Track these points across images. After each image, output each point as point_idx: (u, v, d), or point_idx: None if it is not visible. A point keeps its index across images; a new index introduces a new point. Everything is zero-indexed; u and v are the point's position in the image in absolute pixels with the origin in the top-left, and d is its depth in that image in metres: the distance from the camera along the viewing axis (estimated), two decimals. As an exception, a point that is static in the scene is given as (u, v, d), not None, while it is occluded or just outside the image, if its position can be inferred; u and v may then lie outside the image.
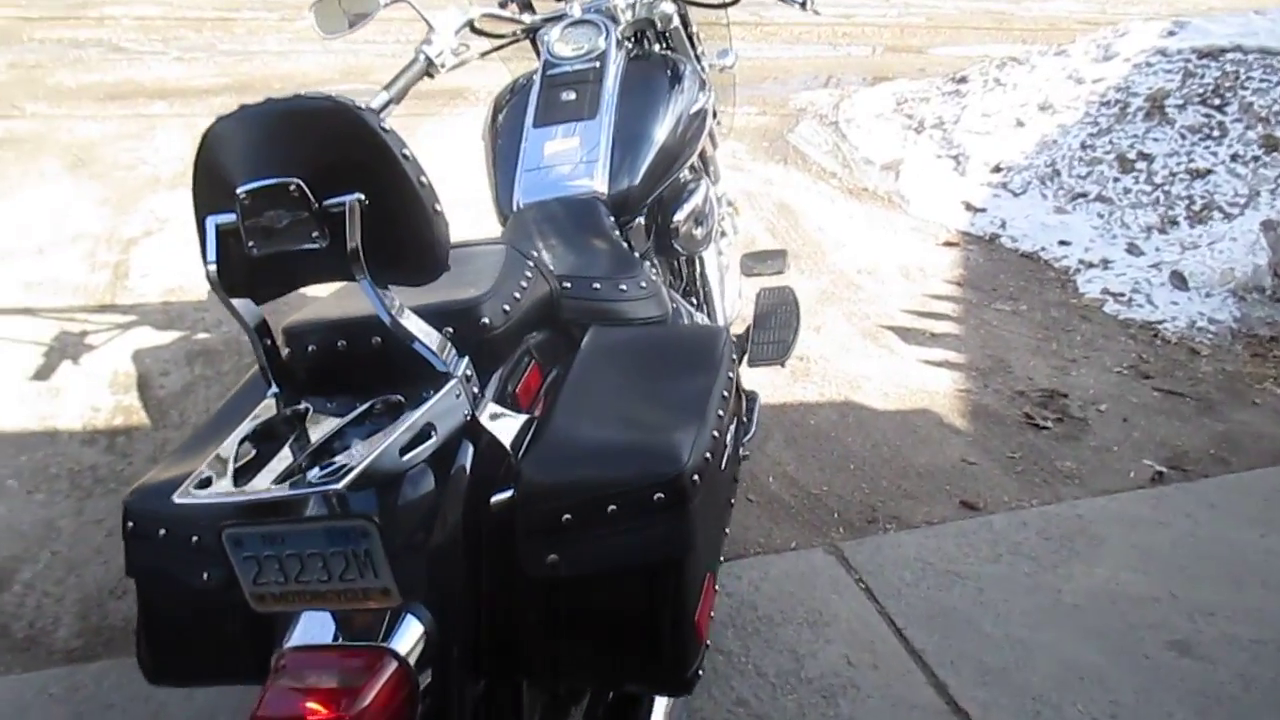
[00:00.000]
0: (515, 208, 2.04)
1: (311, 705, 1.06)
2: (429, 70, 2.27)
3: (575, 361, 1.45)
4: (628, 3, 2.34)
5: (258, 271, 1.19)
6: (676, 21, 2.44)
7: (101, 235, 3.71)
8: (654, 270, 1.85)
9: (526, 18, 2.40)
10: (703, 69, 2.60)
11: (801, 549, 2.37)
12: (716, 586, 1.33)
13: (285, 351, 1.32)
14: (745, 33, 7.23)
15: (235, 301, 1.20)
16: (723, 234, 2.97)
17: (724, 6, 2.45)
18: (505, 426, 1.28)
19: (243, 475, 1.10)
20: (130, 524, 1.27)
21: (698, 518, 1.23)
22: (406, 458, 1.13)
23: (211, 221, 1.16)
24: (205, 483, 1.09)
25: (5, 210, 3.86)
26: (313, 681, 1.09)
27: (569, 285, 1.63)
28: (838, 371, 3.12)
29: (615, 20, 2.36)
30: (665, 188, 2.20)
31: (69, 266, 3.47)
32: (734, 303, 2.79)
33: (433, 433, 1.18)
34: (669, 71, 2.27)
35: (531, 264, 1.50)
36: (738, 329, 2.66)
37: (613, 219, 1.96)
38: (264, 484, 1.06)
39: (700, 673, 1.27)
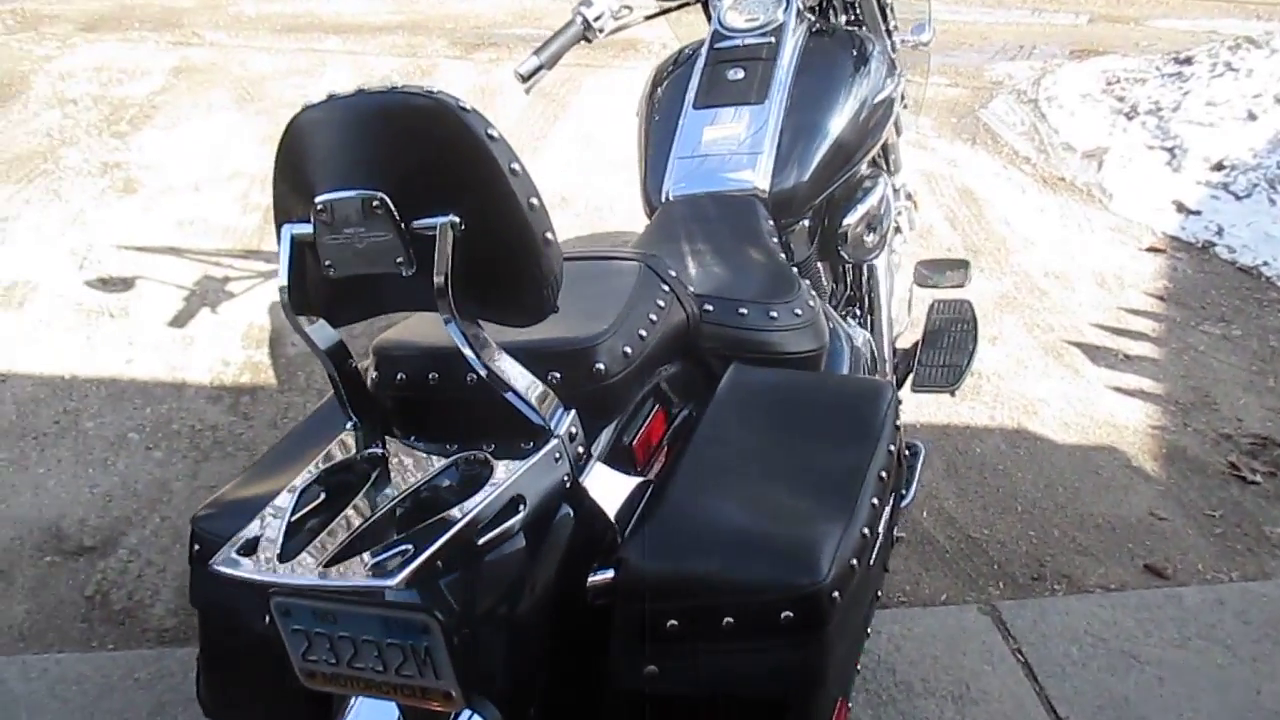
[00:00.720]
0: (664, 199, 1.82)
1: None
2: (586, 34, 2.06)
3: (708, 410, 1.22)
4: None
5: (335, 293, 1.01)
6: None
7: (257, 175, 3.67)
8: (812, 289, 1.60)
9: (700, -23, 2.15)
10: (892, 45, 2.29)
11: (953, 604, 2.09)
12: (850, 705, 1.09)
13: (373, 374, 1.14)
14: (942, -7, 6.71)
15: (308, 324, 1.02)
16: (896, 230, 2.67)
17: None
18: (613, 492, 1.08)
19: (294, 537, 0.93)
20: (197, 547, 1.13)
21: (834, 643, 0.99)
22: (482, 541, 0.94)
23: (288, 231, 0.98)
24: (250, 546, 0.92)
25: (171, 142, 3.88)
26: None
27: (710, 309, 1.40)
28: (1012, 392, 2.79)
29: (800, -9, 2.08)
30: (837, 186, 1.93)
31: (222, 206, 3.45)
32: (901, 310, 2.51)
33: (522, 507, 0.98)
34: (854, 51, 1.98)
35: (668, 287, 1.27)
36: (905, 342, 2.37)
37: (772, 222, 1.71)
38: (310, 563, 0.89)
39: (818, 822, 1.04)
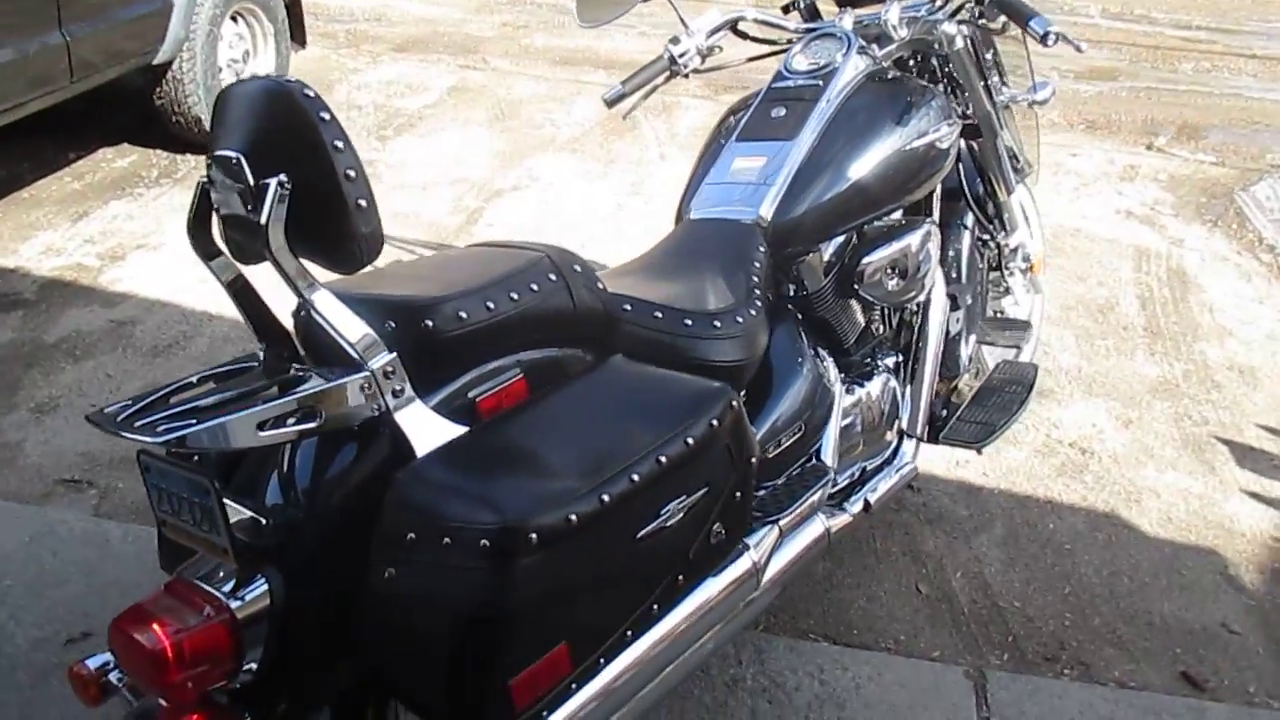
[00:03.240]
0: (687, 217, 1.97)
1: (147, 625, 1.13)
2: (673, 68, 2.24)
3: (558, 388, 1.38)
4: (904, 19, 2.12)
5: (226, 234, 1.27)
6: (961, 44, 2.16)
7: (477, 182, 4.13)
8: (760, 310, 1.68)
9: (792, 25, 2.27)
10: (993, 102, 2.29)
11: (941, 662, 2.04)
12: (572, 661, 1.20)
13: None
14: (1241, 64, 6.17)
15: (211, 261, 1.29)
16: (1006, 292, 2.62)
17: (1037, 38, 2.09)
18: (424, 431, 1.26)
19: (156, 411, 1.20)
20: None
21: (530, 579, 1.13)
22: (263, 434, 1.16)
23: (199, 180, 1.27)
24: (143, 410, 1.18)
25: (420, 148, 4.44)
26: (162, 606, 1.18)
27: (629, 308, 1.54)
28: (1121, 478, 2.62)
29: (888, 39, 2.16)
30: (862, 224, 1.98)
31: (436, 205, 3.92)
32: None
33: (317, 418, 1.20)
34: (907, 98, 2.03)
35: (556, 277, 1.42)
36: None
37: (763, 249, 1.82)
38: (154, 427, 1.14)
39: (517, 740, 1.17)
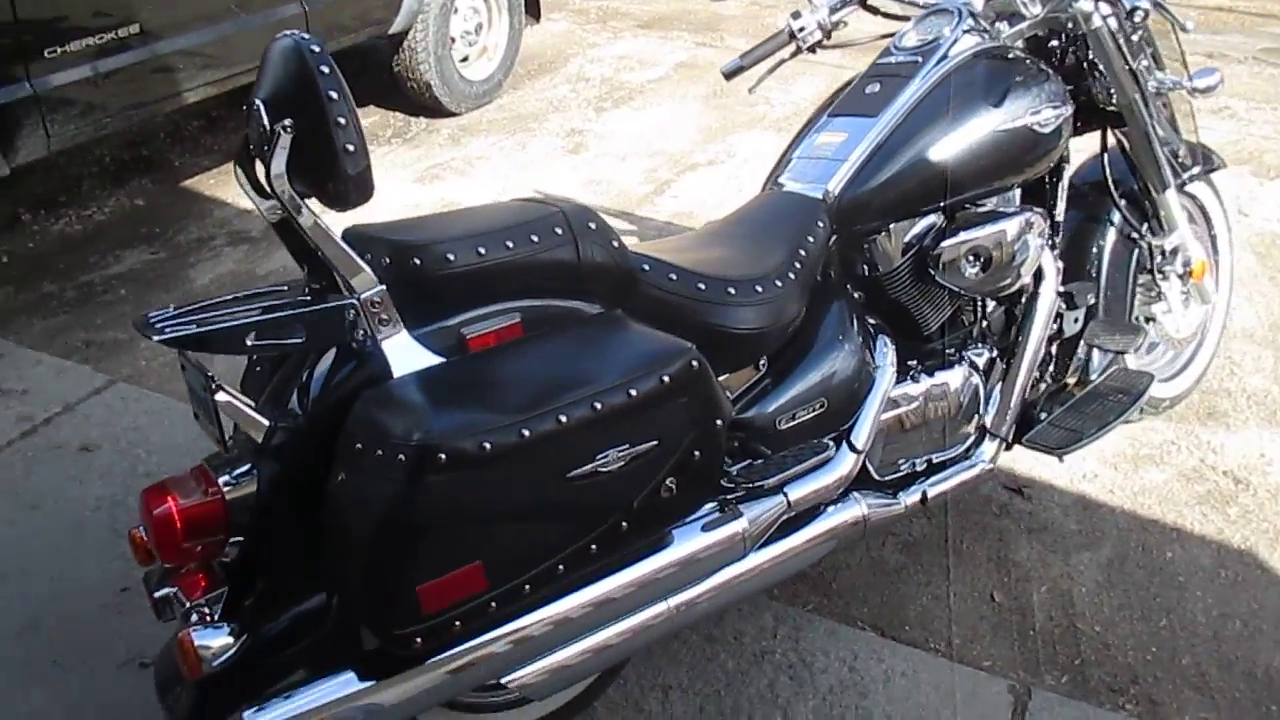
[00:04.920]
0: (766, 188, 1.99)
1: (162, 497, 1.35)
2: (797, 43, 2.26)
3: (543, 334, 1.46)
4: None
5: (249, 171, 1.45)
6: (1099, 23, 2.03)
7: (674, 155, 4.23)
8: (791, 281, 1.69)
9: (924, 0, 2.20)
10: (1142, 90, 2.13)
11: (988, 673, 1.95)
12: (488, 580, 1.30)
13: None
14: None
15: (261, 200, 1.46)
16: (1157, 297, 2.43)
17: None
18: (404, 358, 1.39)
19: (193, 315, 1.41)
20: None
21: (439, 495, 1.24)
22: (250, 343, 1.33)
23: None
24: (177, 316, 1.40)
25: (631, 121, 4.60)
26: (179, 483, 1.39)
27: (647, 269, 1.60)
28: (1274, 516, 2.35)
29: (1020, 16, 2.07)
30: (948, 207, 1.92)
31: (629, 175, 4.06)
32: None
33: (299, 336, 1.36)
34: (1010, 78, 1.95)
35: (562, 231, 1.50)
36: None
37: (823, 224, 1.81)
38: (160, 328, 1.34)
39: (419, 642, 1.29)
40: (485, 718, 1.70)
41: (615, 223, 3.67)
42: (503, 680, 1.49)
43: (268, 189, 1.35)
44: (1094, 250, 2.29)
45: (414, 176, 4.11)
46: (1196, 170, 2.33)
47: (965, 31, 1.99)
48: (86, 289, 3.31)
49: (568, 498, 1.33)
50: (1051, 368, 2.20)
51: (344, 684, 1.37)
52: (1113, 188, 2.26)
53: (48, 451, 2.55)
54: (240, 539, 1.39)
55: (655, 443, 1.38)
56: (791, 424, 1.71)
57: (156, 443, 2.57)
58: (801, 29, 2.24)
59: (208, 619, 1.36)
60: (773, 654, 1.97)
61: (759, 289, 1.66)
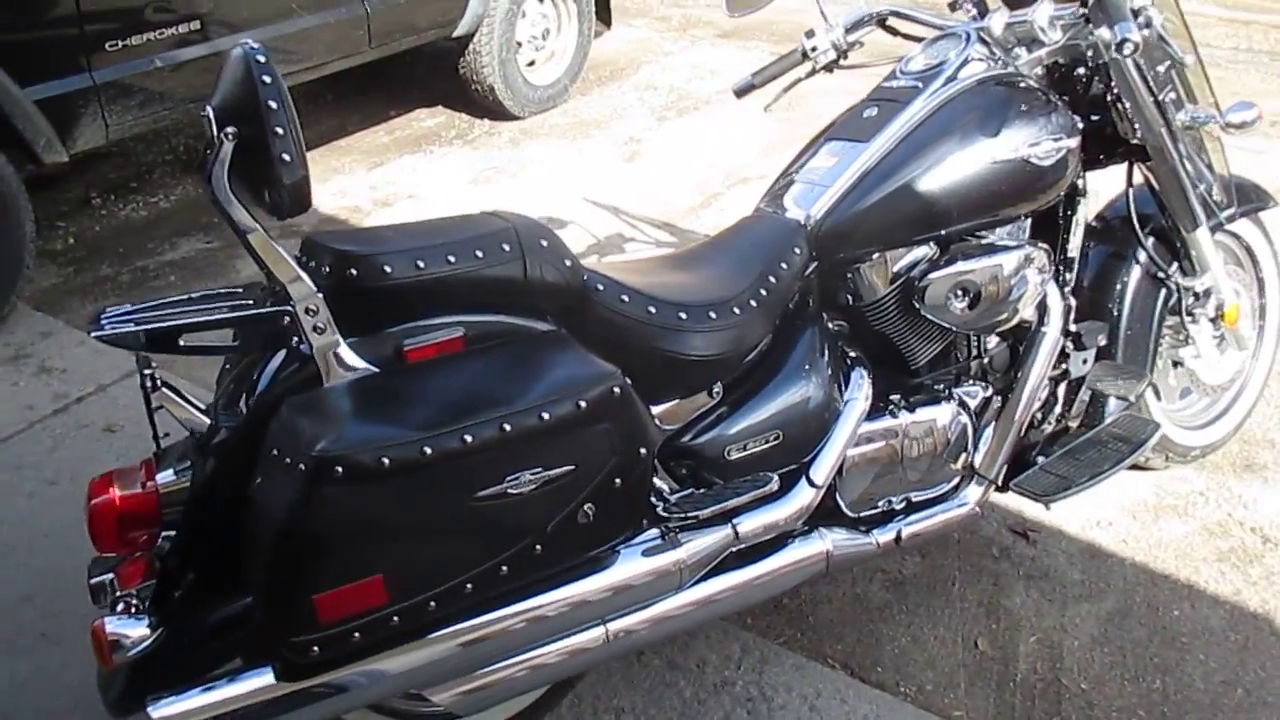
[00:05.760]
0: (759, 207, 1.96)
1: (105, 487, 1.41)
2: (809, 62, 2.22)
3: (477, 351, 1.46)
4: (1054, 20, 1.94)
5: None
6: (1116, 53, 1.94)
7: (729, 169, 4.19)
8: (752, 309, 1.65)
9: (938, 21, 2.14)
10: (1169, 121, 2.03)
11: (952, 721, 1.88)
12: (389, 593, 1.30)
13: None
14: None
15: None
16: (1184, 340, 2.32)
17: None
18: (338, 367, 1.40)
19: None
20: None
21: (335, 507, 1.24)
22: (183, 342, 1.37)
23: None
24: (131, 314, 1.44)
25: (693, 131, 4.57)
26: (123, 474, 1.44)
27: (601, 289, 1.59)
28: (1301, 578, 2.21)
29: (1039, 43, 1.99)
30: (939, 239, 1.86)
31: (681, 187, 4.04)
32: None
33: (235, 339, 1.39)
34: (1012, 108, 1.88)
35: (509, 248, 1.49)
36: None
37: (800, 251, 1.77)
38: (101, 325, 1.39)
39: (316, 650, 1.30)
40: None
41: (652, 233, 3.67)
42: (425, 694, 1.49)
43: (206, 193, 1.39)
44: (1116, 289, 2.19)
45: (469, 178, 4.16)
46: (1233, 210, 2.20)
47: (974, 57, 1.92)
48: (140, 274, 3.44)
49: (475, 517, 1.33)
50: (1057, 409, 2.10)
51: (260, 681, 1.39)
52: (1138, 224, 2.16)
53: (75, 430, 2.66)
54: (171, 533, 1.42)
55: (572, 468, 1.36)
56: (742, 454, 1.67)
57: (176, 426, 2.64)
58: (814, 48, 2.20)
59: (133, 609, 1.40)
60: (733, 685, 1.93)
61: (713, 315, 1.63)
